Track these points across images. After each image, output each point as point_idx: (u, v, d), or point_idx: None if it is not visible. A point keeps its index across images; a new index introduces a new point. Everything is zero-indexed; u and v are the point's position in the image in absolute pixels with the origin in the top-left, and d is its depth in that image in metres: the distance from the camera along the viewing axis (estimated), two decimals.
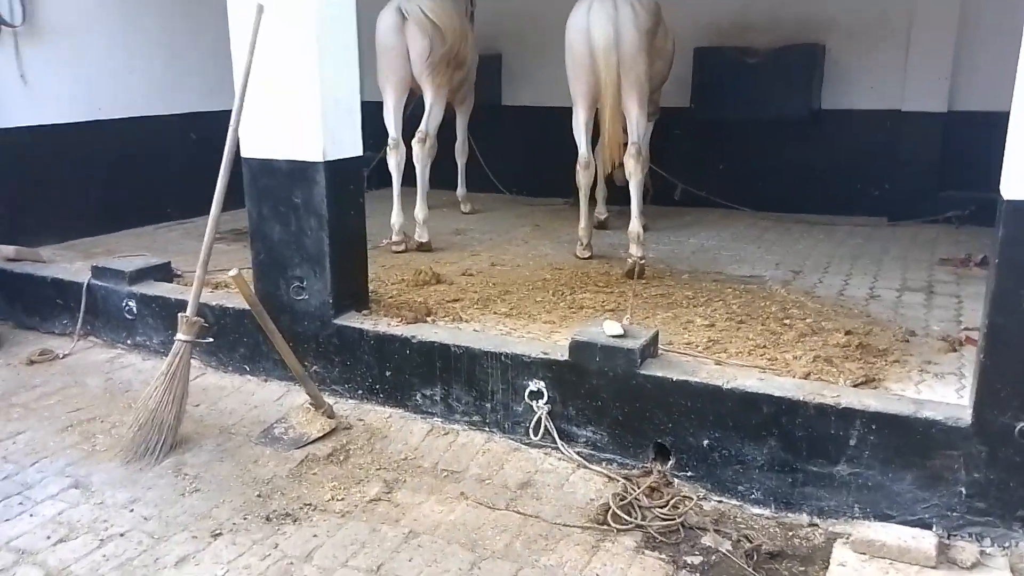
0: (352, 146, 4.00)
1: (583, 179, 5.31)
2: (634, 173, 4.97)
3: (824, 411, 2.98)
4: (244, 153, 4.02)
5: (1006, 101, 2.66)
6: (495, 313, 4.33)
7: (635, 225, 5.00)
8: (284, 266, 4.07)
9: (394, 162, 5.69)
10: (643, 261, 4.93)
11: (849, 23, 6.65)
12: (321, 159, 3.81)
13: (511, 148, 7.97)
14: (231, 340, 4.34)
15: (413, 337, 3.82)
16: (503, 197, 7.95)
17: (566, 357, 3.47)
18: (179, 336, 3.66)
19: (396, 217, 5.76)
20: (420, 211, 5.69)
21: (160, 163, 6.73)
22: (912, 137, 6.43)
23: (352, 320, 4.02)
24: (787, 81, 6.43)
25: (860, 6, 6.59)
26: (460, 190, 7.31)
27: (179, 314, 3.69)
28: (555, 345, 3.64)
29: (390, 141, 5.66)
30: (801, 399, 3.02)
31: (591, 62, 4.83)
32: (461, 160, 7.19)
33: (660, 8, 5.13)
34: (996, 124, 2.70)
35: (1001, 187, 2.66)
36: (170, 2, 6.76)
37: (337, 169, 3.89)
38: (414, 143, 5.55)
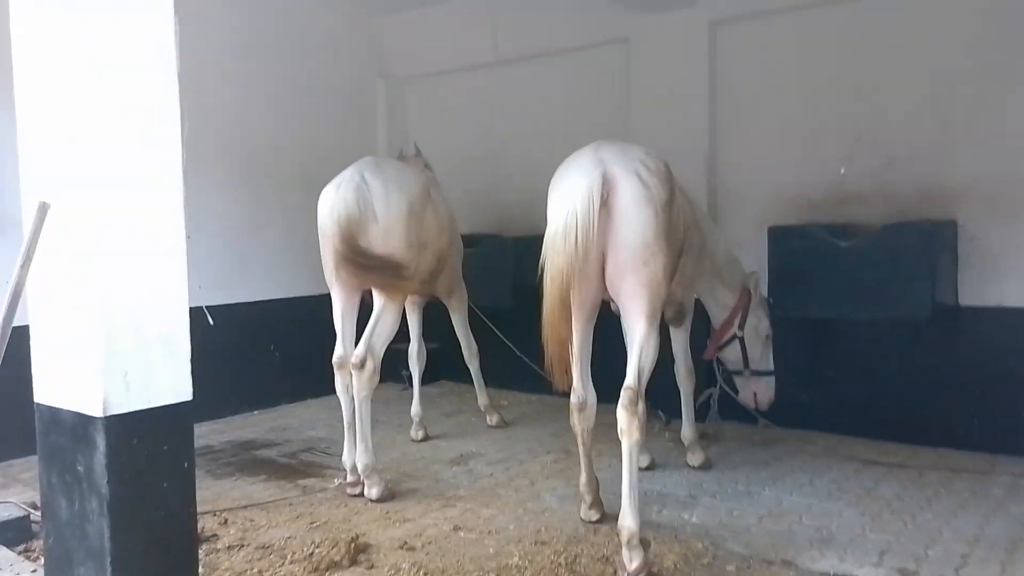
0: (169, 389, 2.78)
1: (578, 423, 3.74)
2: (627, 431, 3.31)
3: None
4: (36, 397, 2.91)
5: None
6: None
7: (627, 520, 3.32)
8: (70, 559, 2.80)
9: (341, 385, 4.41)
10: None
11: (987, 189, 4.87)
12: (101, 413, 2.61)
13: None
14: None
15: None
16: (560, 401, 6.40)
17: None
18: None
19: (348, 455, 4.42)
20: (363, 458, 4.30)
21: None
22: None
23: None
24: (900, 269, 4.66)
25: (1000, 164, 4.83)
26: (481, 399, 5.93)
27: None
28: None
29: (335, 358, 4.42)
30: None
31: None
32: (473, 365, 5.86)
33: (671, 173, 3.63)
34: None
35: None
36: None
37: (131, 426, 2.66)
38: (352, 368, 4.22)
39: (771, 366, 5.02)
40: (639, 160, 3.45)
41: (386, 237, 4.12)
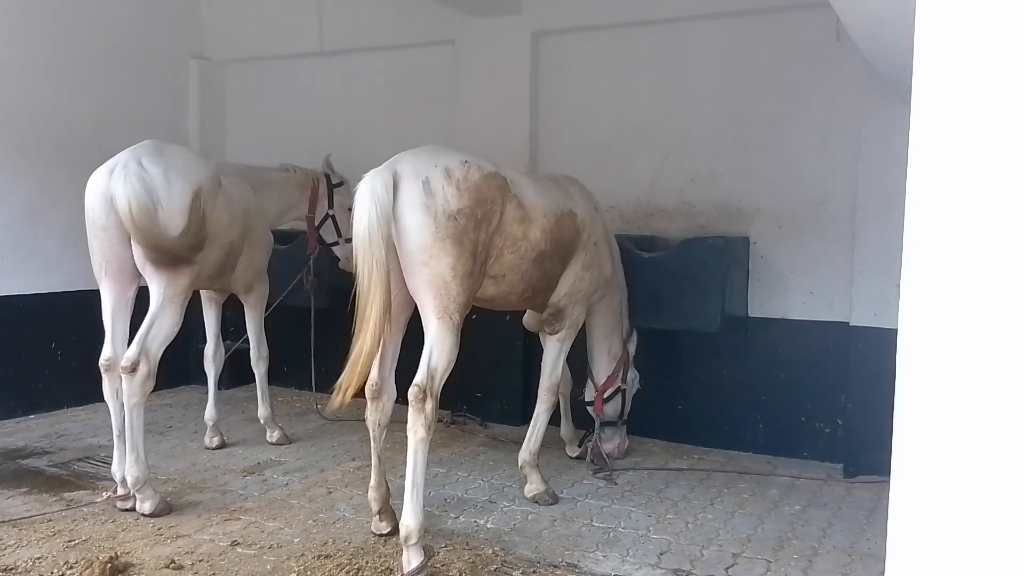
0: None
1: (371, 414, 3.65)
2: (412, 428, 3.27)
3: None
4: None
5: None
6: None
7: (407, 519, 3.25)
8: None
9: (109, 390, 4.01)
10: None
11: (777, 209, 5.22)
12: None
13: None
14: None
15: None
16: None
17: None
18: None
19: (117, 466, 4.03)
20: (133, 470, 3.91)
21: None
22: (868, 360, 4.76)
23: None
24: (695, 281, 4.89)
25: (788, 186, 5.18)
26: (262, 410, 5.35)
27: None
28: None
29: (102, 359, 4.01)
30: None
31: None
32: (259, 369, 5.32)
33: (499, 179, 3.53)
34: None
35: None
36: None
37: None
38: (121, 371, 3.82)
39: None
40: (443, 167, 3.36)
41: (166, 228, 3.80)
